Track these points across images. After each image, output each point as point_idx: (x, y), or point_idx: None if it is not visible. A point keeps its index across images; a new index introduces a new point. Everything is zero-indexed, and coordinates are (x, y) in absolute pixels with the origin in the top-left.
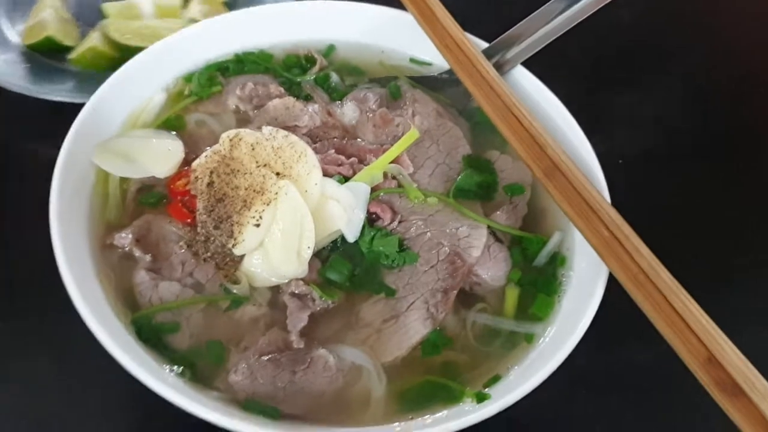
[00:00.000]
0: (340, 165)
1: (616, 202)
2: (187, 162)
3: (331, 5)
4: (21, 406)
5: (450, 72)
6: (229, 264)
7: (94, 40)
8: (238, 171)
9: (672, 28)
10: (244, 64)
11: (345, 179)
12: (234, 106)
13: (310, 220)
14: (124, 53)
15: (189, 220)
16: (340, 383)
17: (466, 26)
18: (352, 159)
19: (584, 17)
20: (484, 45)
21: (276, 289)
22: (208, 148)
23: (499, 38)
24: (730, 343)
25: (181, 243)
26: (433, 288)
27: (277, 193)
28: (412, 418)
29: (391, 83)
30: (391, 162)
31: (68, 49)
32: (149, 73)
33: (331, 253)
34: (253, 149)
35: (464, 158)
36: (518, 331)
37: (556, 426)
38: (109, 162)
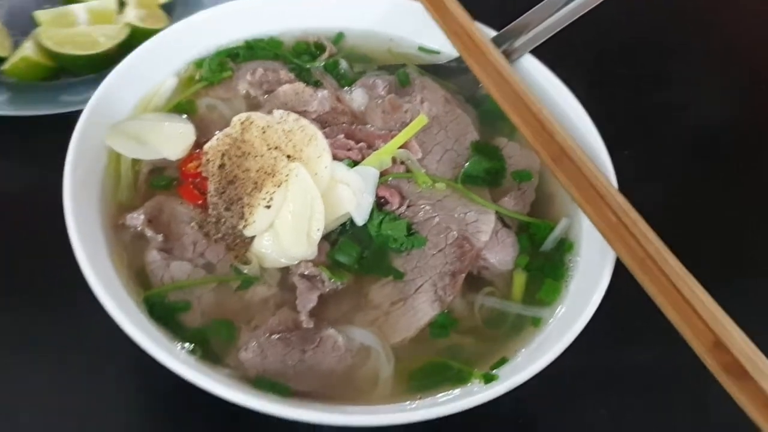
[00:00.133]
0: (349, 150)
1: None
2: (198, 145)
3: None
4: (37, 380)
5: (458, 60)
6: (239, 245)
7: (27, 49)
8: (249, 153)
9: (673, 25)
10: (254, 50)
11: (354, 164)
12: (244, 91)
13: (320, 202)
14: (59, 62)
15: (200, 202)
16: (349, 362)
17: (474, 16)
18: (361, 144)
19: (595, 5)
20: (493, 33)
21: (286, 270)
22: (218, 132)
23: (507, 27)
24: (736, 327)
25: (192, 224)
26: (441, 271)
27: (287, 175)
28: (420, 398)
29: (400, 70)
30: (400, 147)
31: (1, 60)
32: (161, 57)
33: (340, 236)
34: (264, 132)
35: (472, 144)
36: (525, 315)
37: (564, 406)
38: (122, 143)
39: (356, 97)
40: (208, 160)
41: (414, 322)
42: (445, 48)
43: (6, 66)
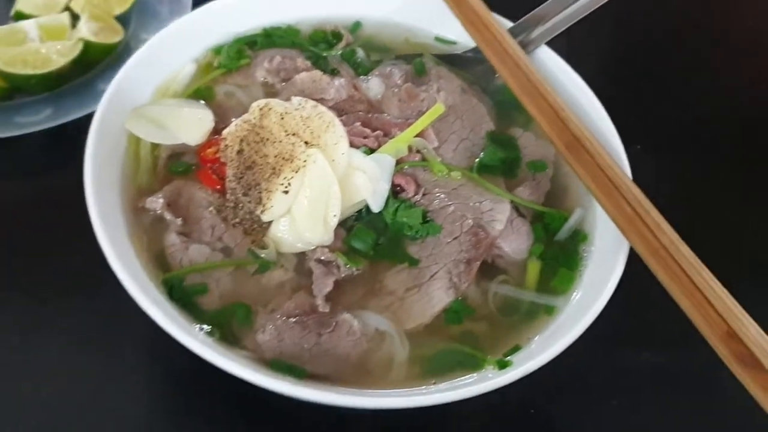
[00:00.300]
0: (365, 138)
1: None
2: (216, 131)
3: None
4: (55, 358)
5: (474, 50)
6: (257, 230)
7: None
8: (268, 139)
9: (687, 22)
10: (271, 38)
11: (370, 151)
12: (262, 79)
13: (337, 188)
14: (11, 82)
15: (218, 187)
16: (364, 347)
17: (490, 7)
18: (378, 132)
19: None
20: (509, 24)
21: (302, 255)
22: (236, 118)
23: (523, 18)
24: (750, 318)
25: (210, 208)
26: (456, 259)
27: (305, 161)
28: (434, 383)
29: (416, 60)
30: (416, 136)
31: None
32: (180, 43)
33: (356, 223)
34: (282, 119)
35: (488, 134)
36: (539, 303)
37: (576, 396)
38: (141, 128)
39: (373, 85)
40: (226, 145)
41: (429, 309)
42: (462, 38)
43: None
